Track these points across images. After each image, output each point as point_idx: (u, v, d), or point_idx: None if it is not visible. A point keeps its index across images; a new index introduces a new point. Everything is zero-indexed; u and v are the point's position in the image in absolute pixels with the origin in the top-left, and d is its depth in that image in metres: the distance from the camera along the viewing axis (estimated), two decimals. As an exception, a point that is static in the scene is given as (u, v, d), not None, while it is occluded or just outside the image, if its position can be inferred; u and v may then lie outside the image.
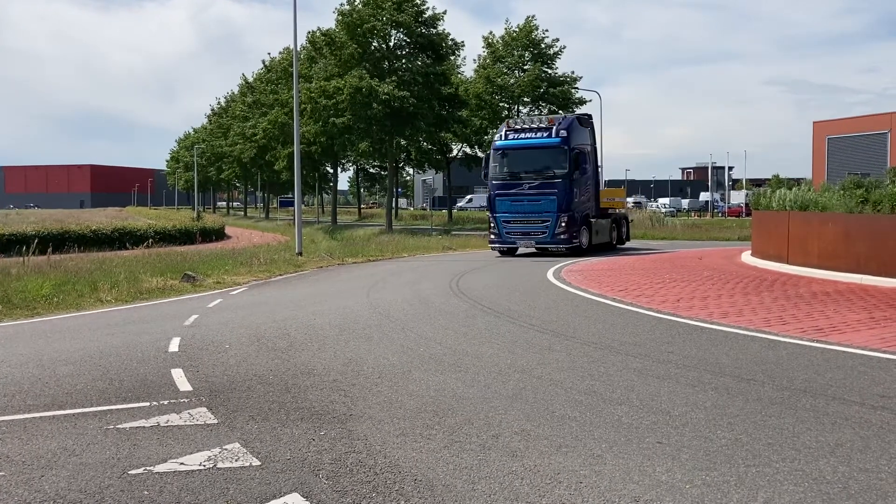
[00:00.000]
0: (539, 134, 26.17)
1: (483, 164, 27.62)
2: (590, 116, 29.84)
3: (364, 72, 44.96)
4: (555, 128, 26.02)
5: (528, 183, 25.98)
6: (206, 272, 20.62)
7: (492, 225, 26.95)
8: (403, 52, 48.38)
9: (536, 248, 26.75)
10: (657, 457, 5.22)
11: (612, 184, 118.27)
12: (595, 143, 28.78)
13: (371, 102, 43.63)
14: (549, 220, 25.66)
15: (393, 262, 26.29)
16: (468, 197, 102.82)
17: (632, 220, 36.09)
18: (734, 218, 64.23)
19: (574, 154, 25.70)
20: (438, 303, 13.71)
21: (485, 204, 35.86)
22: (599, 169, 31.23)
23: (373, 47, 47.29)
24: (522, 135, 26.38)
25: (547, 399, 6.77)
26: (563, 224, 25.48)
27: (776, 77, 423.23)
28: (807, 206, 20.10)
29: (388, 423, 6.14)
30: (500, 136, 26.99)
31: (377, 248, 31.55)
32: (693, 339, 9.61)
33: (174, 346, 9.78)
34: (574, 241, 25.90)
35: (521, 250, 27.49)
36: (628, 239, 32.74)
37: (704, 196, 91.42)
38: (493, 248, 27.68)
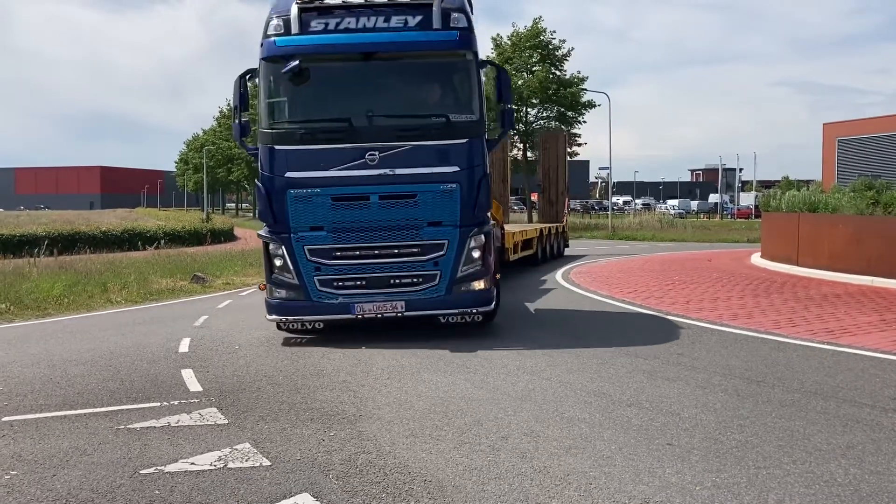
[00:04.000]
0: (396, 19, 10.03)
1: (236, 101, 10.38)
2: None
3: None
4: (437, 4, 9.95)
5: (380, 150, 9.78)
6: (216, 273, 20.71)
7: (277, 264, 10.02)
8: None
9: (403, 314, 9.91)
10: (667, 458, 5.21)
11: (622, 187, 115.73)
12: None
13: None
14: (440, 249, 9.95)
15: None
16: None
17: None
18: (743, 220, 64.00)
19: (496, 76, 10.62)
20: (447, 304, 13.68)
21: None
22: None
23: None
24: (350, 20, 9.99)
25: (556, 400, 6.77)
26: (478, 255, 10.07)
27: (786, 78, 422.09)
28: (817, 208, 20.05)
29: (397, 423, 6.16)
30: (285, 20, 9.91)
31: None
32: (703, 341, 9.58)
33: (184, 346, 9.82)
34: (494, 291, 10.47)
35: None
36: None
37: (714, 198, 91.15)
38: (279, 323, 10.21)
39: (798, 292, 14.47)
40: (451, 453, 5.40)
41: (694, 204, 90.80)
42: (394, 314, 9.83)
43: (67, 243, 33.10)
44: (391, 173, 9.74)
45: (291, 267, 9.85)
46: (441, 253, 9.89)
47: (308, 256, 9.82)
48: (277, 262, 9.95)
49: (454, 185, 9.85)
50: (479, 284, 10.08)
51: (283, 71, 9.63)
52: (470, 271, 10.01)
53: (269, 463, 5.27)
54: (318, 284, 9.84)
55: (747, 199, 77.95)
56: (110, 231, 41.43)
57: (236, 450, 5.56)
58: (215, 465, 5.23)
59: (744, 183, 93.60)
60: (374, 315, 9.80)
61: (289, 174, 9.80)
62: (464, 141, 9.92)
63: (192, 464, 5.27)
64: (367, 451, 5.47)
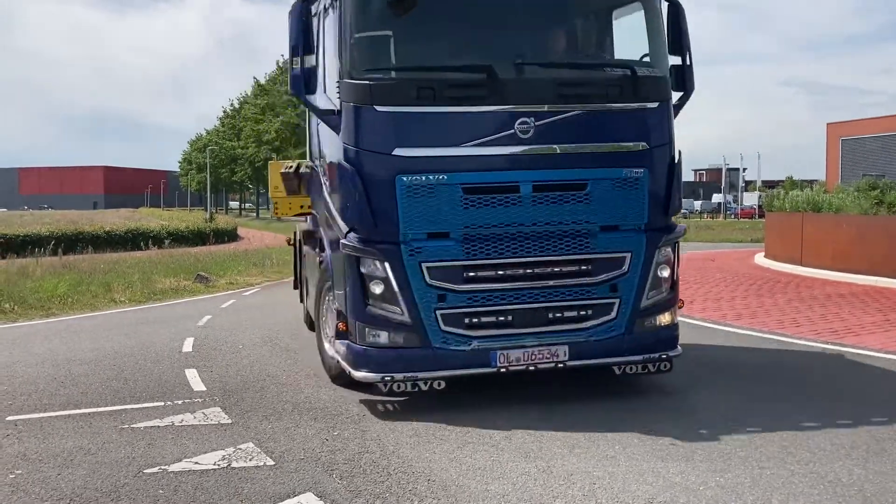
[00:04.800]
0: None
1: (295, 38, 6.55)
2: None
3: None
4: None
5: (536, 117, 6.44)
6: (219, 273, 20.71)
7: (375, 291, 6.42)
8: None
9: (565, 365, 6.57)
10: (671, 458, 5.21)
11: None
12: None
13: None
14: (620, 265, 6.68)
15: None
16: None
17: None
18: (747, 220, 63.92)
19: (672, 15, 7.03)
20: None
21: None
22: None
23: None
24: None
25: (560, 400, 6.76)
26: (667, 274, 6.91)
27: (790, 78, 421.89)
28: (820, 208, 20.02)
29: (401, 423, 6.15)
30: None
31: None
32: (706, 341, 9.57)
33: (188, 346, 9.83)
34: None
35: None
36: None
37: (717, 198, 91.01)
38: (378, 383, 6.48)
39: (802, 292, 14.44)
40: (454, 453, 5.40)
41: (697, 204, 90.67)
42: (552, 364, 6.54)
43: (71, 243, 33.13)
44: (553, 151, 6.53)
45: (400, 295, 6.37)
46: (622, 271, 6.66)
47: (427, 279, 6.38)
48: (376, 289, 6.41)
49: (641, 171, 6.66)
50: (666, 318, 6.92)
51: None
52: (657, 299, 6.83)
53: (272, 462, 5.27)
54: (441, 322, 6.42)
55: (751, 199, 77.85)
56: (114, 231, 41.48)
57: (240, 449, 5.57)
58: (219, 465, 5.24)
59: (747, 183, 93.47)
60: (523, 367, 6.50)
61: (398, 151, 6.31)
62: (653, 106, 6.78)
63: (196, 463, 5.28)
64: (371, 451, 5.48)
